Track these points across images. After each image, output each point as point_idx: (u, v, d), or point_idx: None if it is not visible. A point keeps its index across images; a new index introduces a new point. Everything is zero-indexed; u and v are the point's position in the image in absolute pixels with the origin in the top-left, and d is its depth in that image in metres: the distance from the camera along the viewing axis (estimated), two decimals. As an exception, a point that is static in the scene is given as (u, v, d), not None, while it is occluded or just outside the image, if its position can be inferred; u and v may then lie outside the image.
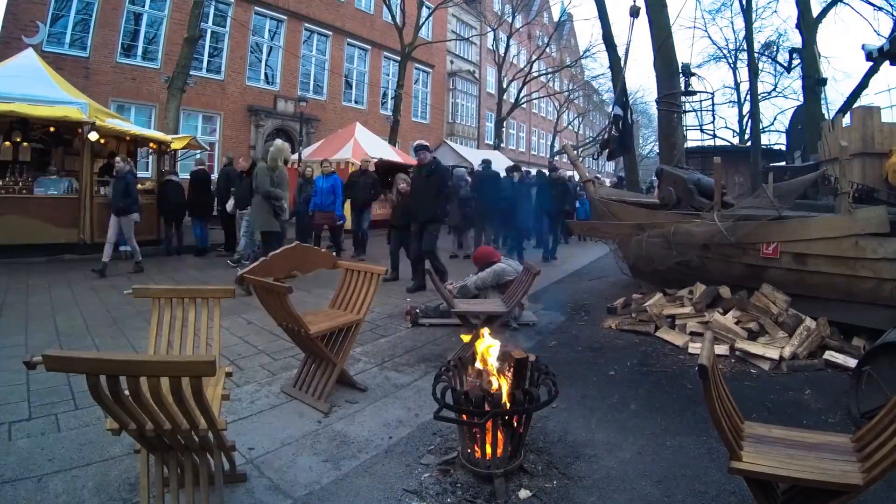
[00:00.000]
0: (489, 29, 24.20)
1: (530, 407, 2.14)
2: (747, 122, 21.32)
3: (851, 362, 3.38)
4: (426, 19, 19.20)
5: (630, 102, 9.46)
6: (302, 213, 8.49)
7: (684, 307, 4.49)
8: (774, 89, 23.50)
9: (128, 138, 9.08)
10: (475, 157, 16.94)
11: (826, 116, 11.97)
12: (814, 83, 12.33)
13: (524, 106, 28.52)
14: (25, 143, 8.82)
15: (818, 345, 3.76)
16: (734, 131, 24.26)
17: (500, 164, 13.55)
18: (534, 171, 12.65)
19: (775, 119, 24.71)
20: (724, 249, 4.53)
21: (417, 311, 4.80)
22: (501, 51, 23.91)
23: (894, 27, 13.51)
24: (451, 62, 24.21)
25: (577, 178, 9.20)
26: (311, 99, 16.66)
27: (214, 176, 11.33)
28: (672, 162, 7.27)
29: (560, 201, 9.18)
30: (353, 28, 18.87)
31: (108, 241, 6.72)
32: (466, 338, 2.53)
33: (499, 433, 2.14)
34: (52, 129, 8.42)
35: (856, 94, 13.46)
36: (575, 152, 15.14)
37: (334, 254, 4.61)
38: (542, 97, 30.09)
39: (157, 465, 1.80)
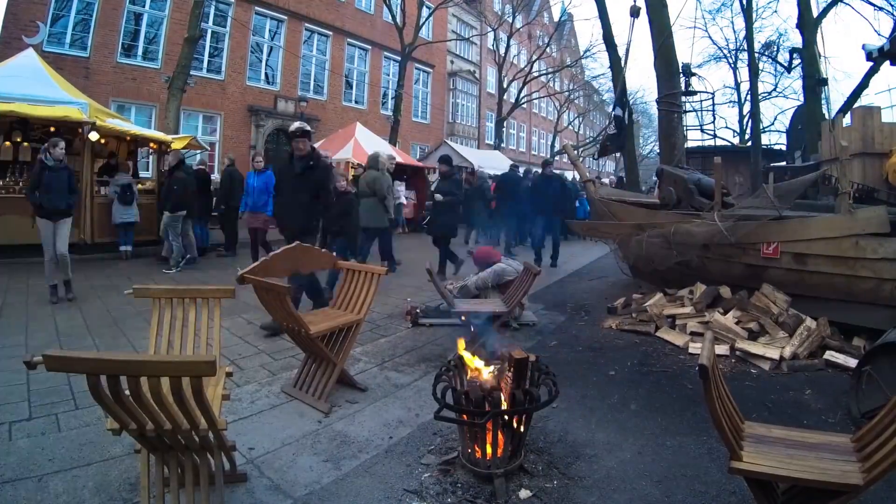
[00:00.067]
0: (489, 29, 24.19)
1: (530, 407, 2.14)
2: (747, 122, 21.32)
3: (851, 362, 3.38)
4: (426, 19, 19.20)
5: (629, 102, 9.51)
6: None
7: (684, 307, 4.49)
8: (775, 89, 23.51)
9: (128, 138, 9.08)
10: (475, 157, 16.95)
11: (826, 116, 11.96)
12: (814, 83, 12.33)
13: (524, 106, 28.52)
14: (25, 143, 8.81)
15: (818, 345, 3.76)
16: (734, 131, 24.26)
17: (501, 164, 13.55)
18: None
19: (775, 119, 24.72)
20: (724, 249, 4.53)
21: (418, 311, 4.81)
22: (502, 51, 23.91)
23: (894, 27, 13.51)
24: (452, 62, 24.20)
25: (577, 178, 9.20)
26: (312, 99, 16.67)
27: (215, 176, 11.35)
28: (672, 162, 7.27)
29: (556, 200, 8.41)
30: (353, 28, 18.87)
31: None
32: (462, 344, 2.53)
33: (499, 433, 2.14)
34: (52, 129, 8.40)
35: (856, 94, 13.46)
36: (575, 152, 15.14)
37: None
38: (543, 97, 30.07)
39: (157, 465, 1.81)
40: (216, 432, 1.69)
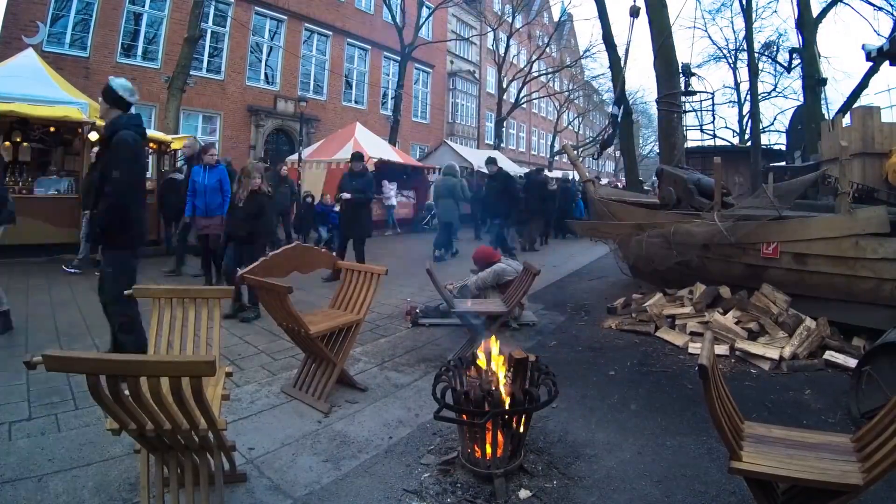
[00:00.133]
0: (489, 29, 24.16)
1: (530, 407, 2.14)
2: (747, 122, 21.30)
3: (851, 362, 3.38)
4: (426, 19, 19.19)
5: (628, 101, 9.58)
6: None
7: (684, 307, 4.49)
8: (774, 89, 23.49)
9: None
10: (475, 157, 16.93)
11: (826, 116, 11.96)
12: (814, 83, 12.31)
13: (524, 106, 28.49)
14: (25, 143, 8.80)
15: (818, 345, 3.76)
16: (734, 131, 24.24)
17: (504, 164, 13.57)
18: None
19: (775, 119, 24.70)
20: (724, 249, 4.53)
21: (417, 311, 4.81)
22: (501, 51, 23.88)
23: (894, 27, 13.51)
24: (451, 62, 24.19)
25: (577, 178, 9.24)
26: (311, 99, 16.65)
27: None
28: (672, 162, 7.26)
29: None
30: (353, 28, 18.86)
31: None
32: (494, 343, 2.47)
33: (499, 433, 2.14)
34: (52, 129, 8.40)
35: (856, 94, 13.44)
36: (575, 152, 15.17)
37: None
38: (542, 97, 30.05)
39: (157, 465, 1.81)
40: (216, 432, 1.69)
